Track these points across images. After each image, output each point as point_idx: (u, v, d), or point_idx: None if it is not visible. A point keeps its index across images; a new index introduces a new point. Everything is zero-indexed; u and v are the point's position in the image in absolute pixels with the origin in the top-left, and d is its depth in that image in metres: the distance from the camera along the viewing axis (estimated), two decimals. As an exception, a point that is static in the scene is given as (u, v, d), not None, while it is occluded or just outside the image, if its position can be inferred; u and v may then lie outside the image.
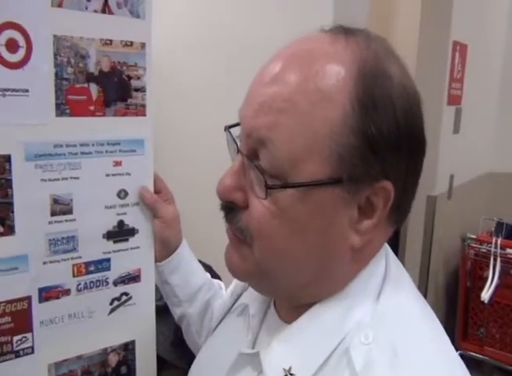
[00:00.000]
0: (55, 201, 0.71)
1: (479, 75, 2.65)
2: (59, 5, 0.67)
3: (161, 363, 0.89)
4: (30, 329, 0.71)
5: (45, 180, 0.69)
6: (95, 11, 0.70)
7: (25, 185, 0.68)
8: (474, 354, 2.45)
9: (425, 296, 0.58)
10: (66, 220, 0.72)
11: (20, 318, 0.69)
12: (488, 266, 2.36)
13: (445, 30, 2.19)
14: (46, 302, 0.72)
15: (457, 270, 2.58)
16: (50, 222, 0.71)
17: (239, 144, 0.52)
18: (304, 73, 0.46)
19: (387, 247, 0.55)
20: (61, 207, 0.71)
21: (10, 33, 0.64)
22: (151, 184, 0.81)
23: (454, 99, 2.36)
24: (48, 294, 0.72)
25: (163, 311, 0.88)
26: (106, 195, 0.76)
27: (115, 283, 0.78)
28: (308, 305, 0.52)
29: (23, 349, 0.70)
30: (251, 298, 0.63)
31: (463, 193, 2.58)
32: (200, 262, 0.89)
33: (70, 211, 0.72)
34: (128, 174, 0.77)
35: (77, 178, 0.72)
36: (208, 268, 1.02)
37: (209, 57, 1.61)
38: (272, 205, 0.48)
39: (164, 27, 1.56)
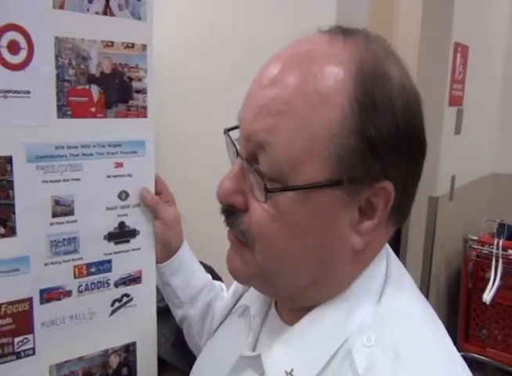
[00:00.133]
0: (57, 203, 0.71)
1: (480, 76, 2.65)
2: (61, 7, 0.67)
3: (162, 364, 0.89)
4: (31, 330, 0.71)
5: (47, 181, 0.69)
6: (97, 13, 0.71)
7: (26, 186, 0.68)
8: (476, 355, 2.45)
9: (427, 297, 0.58)
10: (68, 221, 0.72)
11: (21, 319, 0.69)
12: (489, 268, 2.35)
13: (447, 31, 2.19)
14: (47, 304, 0.72)
15: (459, 271, 2.57)
16: (51, 224, 0.71)
17: (238, 147, 0.52)
18: (303, 75, 0.46)
19: (388, 248, 0.55)
20: (62, 209, 0.71)
21: (12, 35, 0.64)
22: (152, 185, 0.81)
23: (455, 100, 2.36)
24: (49, 295, 0.72)
25: (164, 312, 0.88)
26: (107, 196, 0.76)
27: (116, 285, 0.78)
28: (309, 307, 0.52)
29: (24, 351, 0.70)
30: (252, 298, 0.63)
31: (464, 194, 2.58)
32: (201, 263, 0.89)
33: (71, 213, 0.72)
34: (129, 175, 0.77)
35: (79, 179, 0.72)
36: (209, 269, 1.02)
37: (210, 59, 1.61)
38: (272, 208, 0.47)
39: (164, 29, 1.56)
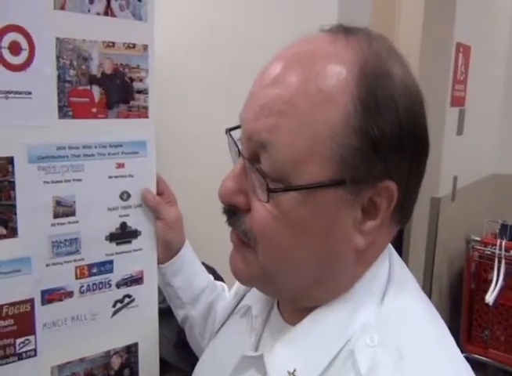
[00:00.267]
0: (58, 203, 0.71)
1: (482, 76, 2.65)
2: (62, 8, 0.67)
3: (164, 365, 0.89)
4: (33, 331, 0.70)
5: (48, 182, 0.69)
6: (98, 13, 0.71)
7: (28, 187, 0.68)
8: (479, 356, 2.44)
9: (429, 298, 0.58)
10: (69, 222, 0.72)
11: (23, 320, 0.69)
12: (492, 268, 2.35)
13: (449, 31, 2.19)
14: (49, 305, 0.72)
15: (461, 272, 2.57)
16: (53, 224, 0.71)
17: (240, 147, 0.52)
18: (305, 74, 0.46)
19: (390, 248, 0.55)
20: (64, 210, 0.71)
21: (13, 35, 0.64)
22: (154, 186, 0.81)
23: (457, 101, 2.35)
24: (50, 296, 0.72)
25: (166, 313, 0.87)
26: (109, 197, 0.76)
27: (118, 286, 0.78)
28: (312, 307, 0.52)
29: (25, 352, 0.70)
30: (254, 298, 0.62)
31: (466, 194, 2.57)
32: (203, 264, 0.89)
33: (72, 213, 0.72)
34: (131, 176, 0.77)
35: (80, 180, 0.72)
36: (211, 270, 1.02)
37: (211, 59, 1.61)
38: (275, 208, 0.47)
39: (166, 29, 1.56)
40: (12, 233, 0.67)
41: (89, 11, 0.70)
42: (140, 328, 0.81)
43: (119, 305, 0.79)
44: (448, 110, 2.26)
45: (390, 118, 0.45)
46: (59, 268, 0.72)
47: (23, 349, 0.70)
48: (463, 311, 2.53)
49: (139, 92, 0.76)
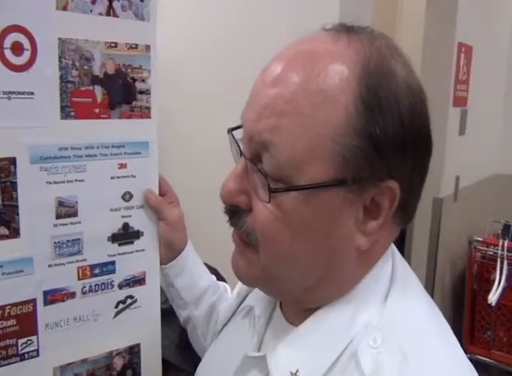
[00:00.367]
0: (61, 204, 0.71)
1: (484, 76, 2.64)
2: (64, 8, 0.67)
3: (167, 366, 0.89)
4: (35, 332, 0.70)
5: (50, 183, 0.69)
6: (100, 14, 0.70)
7: (30, 187, 0.68)
8: (481, 357, 2.44)
9: (431, 299, 0.58)
10: (71, 223, 0.72)
11: (25, 321, 0.69)
12: (494, 269, 2.34)
13: (450, 31, 2.19)
14: (51, 305, 0.72)
15: (464, 273, 2.56)
16: (55, 225, 0.71)
17: (242, 147, 0.52)
18: (307, 73, 0.45)
19: (393, 248, 0.55)
20: (66, 210, 0.71)
21: (15, 36, 0.64)
22: (156, 186, 0.81)
23: (459, 101, 2.35)
24: (53, 296, 0.72)
25: (168, 314, 0.87)
26: (111, 197, 0.76)
27: (120, 286, 0.78)
28: (314, 308, 0.52)
29: (28, 352, 0.70)
30: (257, 299, 0.62)
31: (469, 195, 2.57)
32: (206, 264, 0.89)
33: (75, 214, 0.72)
34: (133, 176, 0.77)
35: (82, 180, 0.72)
36: (214, 270, 1.02)
37: (213, 59, 1.61)
38: (276, 209, 0.47)
39: (168, 29, 1.56)
40: (15, 233, 0.67)
41: (91, 11, 0.70)
42: (142, 329, 0.81)
43: (121, 305, 0.78)
44: (450, 110, 2.26)
45: (392, 118, 0.45)
46: (62, 268, 0.72)
47: (26, 350, 0.70)
48: (466, 312, 2.53)
49: (142, 92, 0.76)
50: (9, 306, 0.68)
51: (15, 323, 0.68)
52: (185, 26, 1.65)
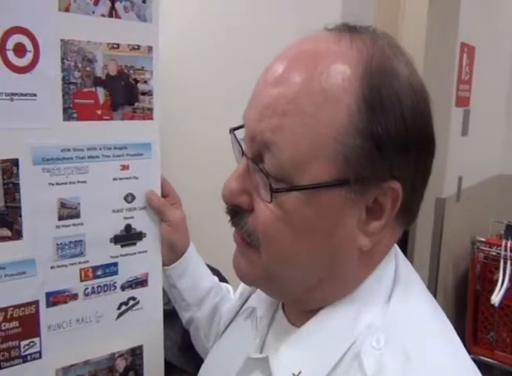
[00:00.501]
0: (63, 205, 0.71)
1: (487, 77, 2.64)
2: (66, 10, 0.67)
3: (169, 367, 0.89)
4: (37, 334, 0.70)
5: (53, 184, 0.69)
6: (102, 15, 0.70)
7: (32, 189, 0.68)
8: (485, 358, 2.43)
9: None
10: (74, 224, 0.72)
11: (28, 323, 0.69)
12: (497, 269, 2.34)
13: (453, 31, 2.19)
14: (54, 307, 0.71)
15: (466, 273, 2.56)
16: (58, 227, 0.70)
17: (243, 147, 0.52)
18: (309, 73, 0.45)
19: (396, 249, 0.55)
20: (68, 212, 0.71)
21: (18, 37, 0.64)
22: (158, 188, 0.80)
23: (462, 101, 2.34)
24: (55, 298, 0.72)
25: (170, 315, 0.87)
26: (114, 199, 0.76)
27: (122, 288, 0.78)
28: (317, 309, 0.52)
29: (30, 354, 0.70)
30: (259, 300, 0.62)
31: (471, 195, 2.56)
32: (208, 266, 0.89)
33: (77, 215, 0.72)
34: (136, 178, 0.77)
35: (85, 182, 0.72)
36: (216, 272, 1.02)
37: (216, 60, 1.61)
38: (278, 208, 0.47)
39: (170, 31, 1.56)
40: (17, 235, 0.67)
41: (94, 13, 0.70)
42: (145, 330, 0.81)
43: (124, 307, 0.78)
44: (453, 111, 2.26)
45: (395, 118, 0.45)
46: (64, 270, 0.72)
47: (28, 352, 0.70)
48: (469, 312, 2.52)
49: (144, 93, 0.76)
50: (12, 308, 0.68)
51: (17, 325, 0.68)
52: (187, 27, 1.66)
